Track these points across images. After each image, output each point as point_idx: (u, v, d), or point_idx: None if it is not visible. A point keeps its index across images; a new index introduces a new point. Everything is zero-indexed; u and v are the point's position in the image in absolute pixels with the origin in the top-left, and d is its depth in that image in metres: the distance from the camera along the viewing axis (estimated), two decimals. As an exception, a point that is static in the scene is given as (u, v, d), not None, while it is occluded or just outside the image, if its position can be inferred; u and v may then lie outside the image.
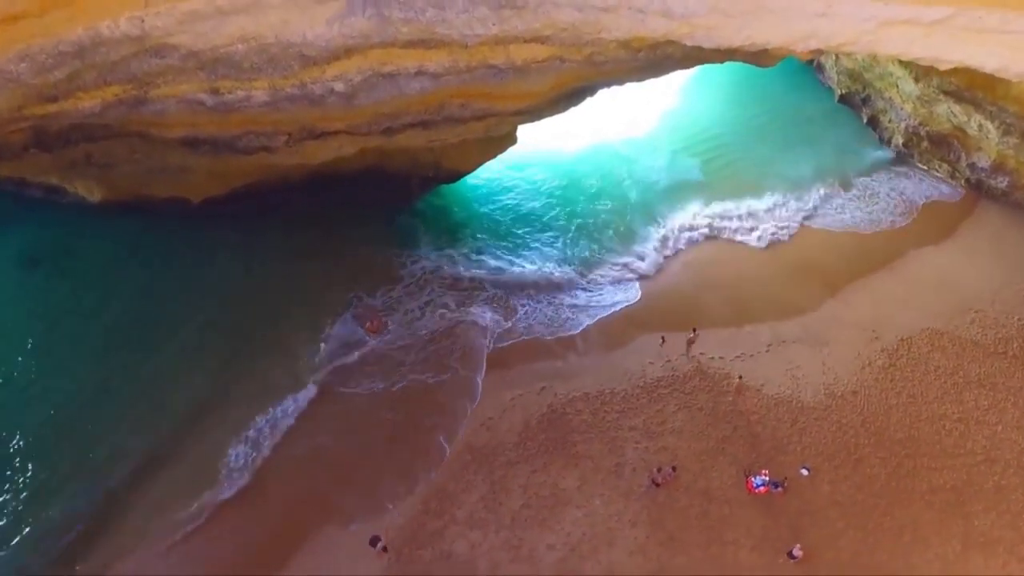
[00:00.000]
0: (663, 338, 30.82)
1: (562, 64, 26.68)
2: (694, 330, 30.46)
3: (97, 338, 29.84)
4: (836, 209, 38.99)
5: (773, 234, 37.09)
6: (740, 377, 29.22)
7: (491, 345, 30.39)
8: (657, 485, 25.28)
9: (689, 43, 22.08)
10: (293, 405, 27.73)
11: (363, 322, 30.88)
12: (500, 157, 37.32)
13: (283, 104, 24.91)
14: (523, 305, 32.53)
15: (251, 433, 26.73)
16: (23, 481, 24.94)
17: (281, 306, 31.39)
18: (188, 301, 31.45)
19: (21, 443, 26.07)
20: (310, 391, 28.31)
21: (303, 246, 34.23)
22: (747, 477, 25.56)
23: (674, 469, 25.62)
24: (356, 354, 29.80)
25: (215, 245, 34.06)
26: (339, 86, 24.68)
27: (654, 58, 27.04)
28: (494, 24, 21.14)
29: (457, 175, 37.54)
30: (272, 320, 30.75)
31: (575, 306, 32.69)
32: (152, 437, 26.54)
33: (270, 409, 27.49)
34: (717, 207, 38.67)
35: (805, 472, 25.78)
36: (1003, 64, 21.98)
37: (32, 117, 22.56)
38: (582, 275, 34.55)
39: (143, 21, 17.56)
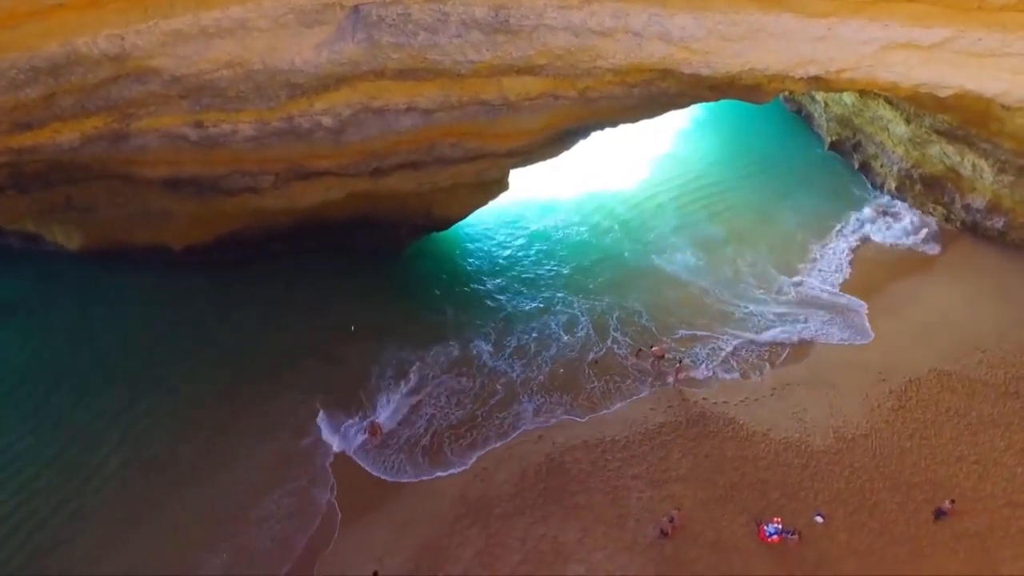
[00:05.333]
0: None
1: (555, 101, 26.32)
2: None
3: (67, 394, 28.45)
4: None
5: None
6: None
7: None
8: (665, 535, 23.74)
9: (687, 71, 21.78)
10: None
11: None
12: (491, 204, 36.69)
13: (269, 139, 24.34)
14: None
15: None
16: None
17: (261, 383, 29.55)
18: (164, 359, 30.12)
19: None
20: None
21: (288, 308, 33.03)
22: (759, 525, 24.09)
23: (678, 510, 24.28)
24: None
25: (195, 299, 32.93)
26: (327, 120, 24.17)
27: (649, 94, 26.69)
28: (487, 50, 20.79)
29: (448, 222, 36.74)
30: (255, 397, 28.93)
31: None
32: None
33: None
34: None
35: (819, 519, 24.34)
36: (1005, 88, 21.83)
37: (7, 151, 21.74)
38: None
39: (123, 39, 16.95)
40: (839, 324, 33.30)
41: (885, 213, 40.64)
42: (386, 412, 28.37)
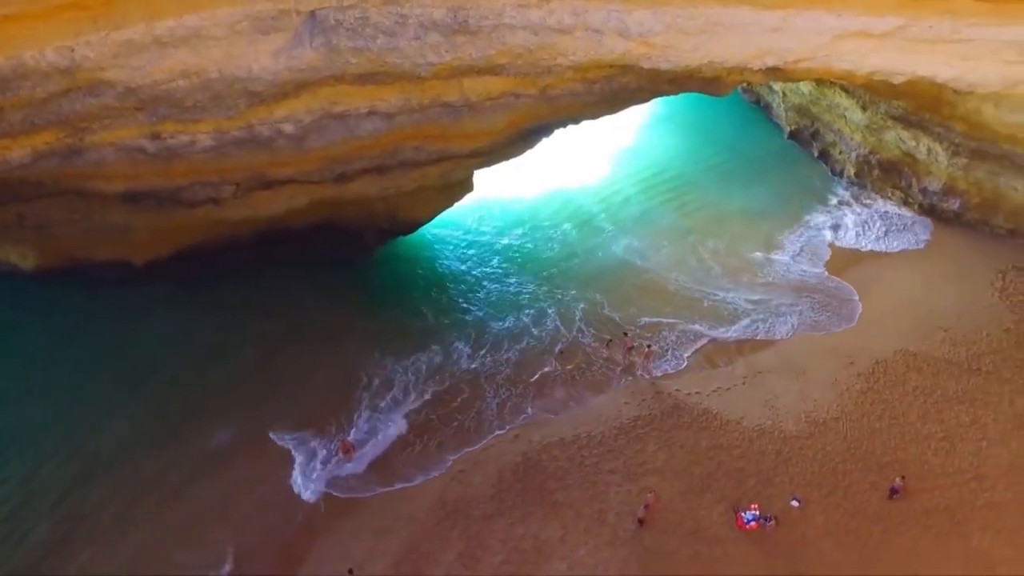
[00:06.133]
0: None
1: (517, 100, 26.37)
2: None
3: (27, 419, 27.58)
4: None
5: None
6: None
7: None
8: (642, 522, 23.95)
9: (647, 65, 21.88)
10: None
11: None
12: (457, 205, 36.56)
13: (229, 149, 23.90)
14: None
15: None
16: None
17: (229, 401, 28.84)
18: (130, 379, 29.33)
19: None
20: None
21: (257, 320, 32.33)
22: (736, 513, 24.33)
23: (652, 493, 24.56)
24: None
25: (160, 316, 32.10)
26: (288, 128, 23.83)
27: (609, 90, 26.86)
28: (447, 51, 20.63)
29: (414, 225, 36.52)
30: (222, 415, 28.17)
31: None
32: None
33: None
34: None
35: (795, 503, 24.68)
36: (956, 74, 22.30)
37: (-45, 171, 21.07)
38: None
39: (73, 51, 16.48)
40: (807, 310, 33.93)
41: (845, 200, 41.42)
42: (363, 427, 27.86)
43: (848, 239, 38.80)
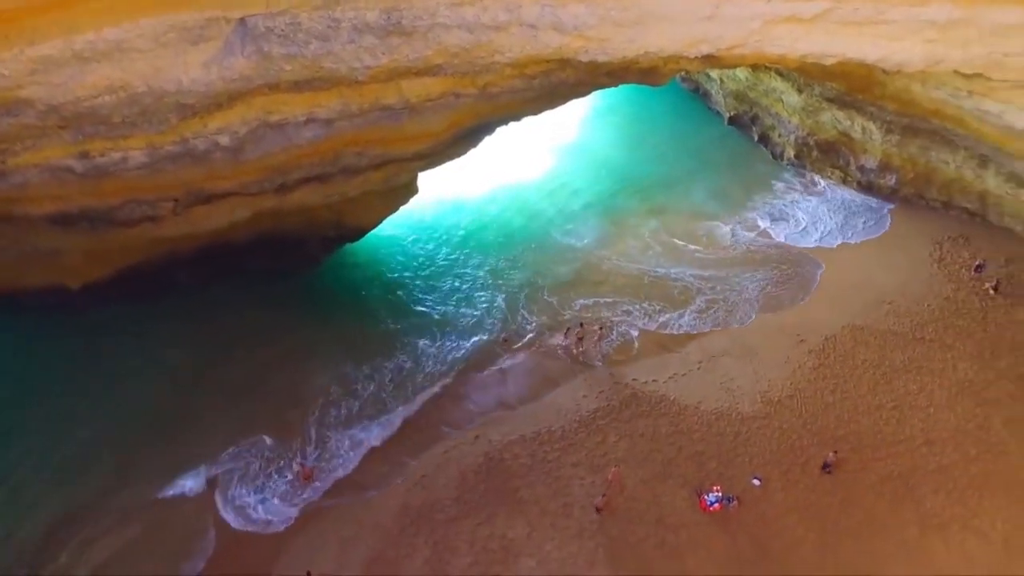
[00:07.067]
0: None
1: (457, 100, 26.17)
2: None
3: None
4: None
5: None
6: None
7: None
8: (599, 510, 24.19)
9: (584, 59, 21.93)
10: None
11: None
12: (404, 208, 36.19)
13: (164, 164, 23.21)
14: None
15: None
16: None
17: (175, 427, 27.70)
18: (73, 408, 27.99)
19: None
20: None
21: (206, 340, 31.27)
22: (699, 496, 24.63)
23: (616, 467, 25.10)
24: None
25: (101, 340, 30.74)
26: (224, 139, 23.27)
27: (548, 85, 26.85)
28: (383, 53, 20.39)
29: (360, 231, 36.00)
30: (172, 442, 27.09)
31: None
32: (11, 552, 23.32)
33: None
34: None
35: (756, 482, 25.11)
36: (883, 54, 22.83)
37: None
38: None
39: (-13, 71, 15.78)
40: (755, 290, 34.67)
41: (786, 180, 42.30)
42: (327, 447, 27.06)
43: (791, 221, 39.58)
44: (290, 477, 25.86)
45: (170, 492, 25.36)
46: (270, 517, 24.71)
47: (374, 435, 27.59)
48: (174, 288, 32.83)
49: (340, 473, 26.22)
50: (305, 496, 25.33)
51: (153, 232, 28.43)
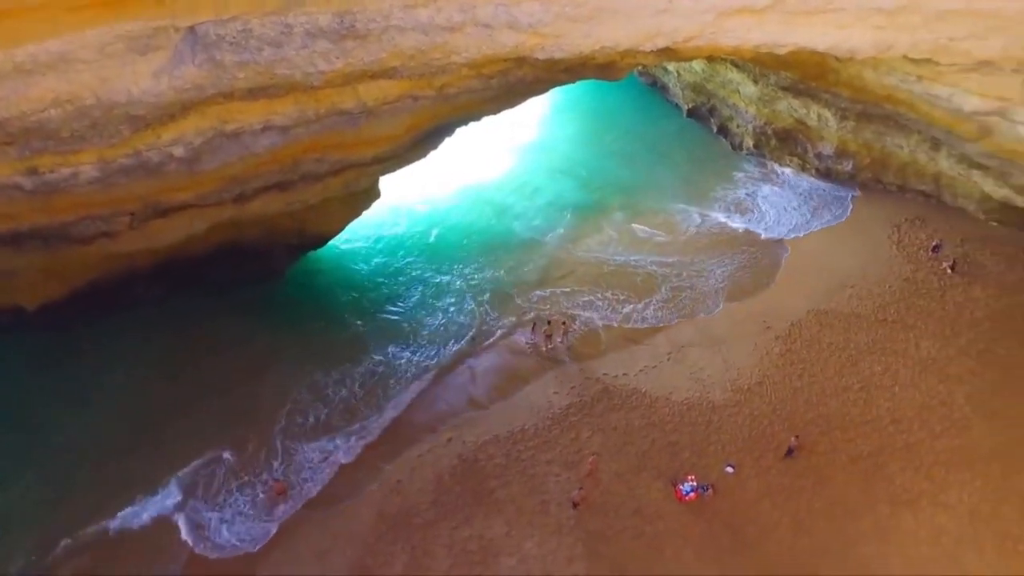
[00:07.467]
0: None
1: (415, 102, 25.96)
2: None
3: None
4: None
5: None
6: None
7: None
8: (576, 505, 24.26)
9: (541, 56, 21.91)
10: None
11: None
12: (367, 213, 35.91)
13: (117, 178, 22.63)
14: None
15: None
16: None
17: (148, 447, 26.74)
18: (36, 430, 27.02)
19: None
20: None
21: (172, 355, 30.38)
22: (675, 487, 24.81)
23: (595, 455, 25.43)
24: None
25: (62, 362, 29.74)
26: (178, 151, 22.76)
27: (506, 84, 26.79)
28: (337, 57, 20.15)
29: (323, 239, 35.60)
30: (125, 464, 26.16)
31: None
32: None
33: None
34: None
35: (730, 470, 25.36)
36: (835, 42, 23.16)
37: None
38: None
39: (-78, 88, 15.27)
40: (720, 278, 35.13)
41: (744, 169, 42.84)
42: (297, 460, 26.50)
43: (752, 210, 40.08)
44: (261, 495, 25.21)
45: (129, 519, 24.31)
46: (238, 540, 23.84)
47: (346, 444, 27.15)
48: (134, 303, 32.01)
49: (312, 485, 25.69)
50: (278, 512, 24.71)
51: (110, 248, 27.79)
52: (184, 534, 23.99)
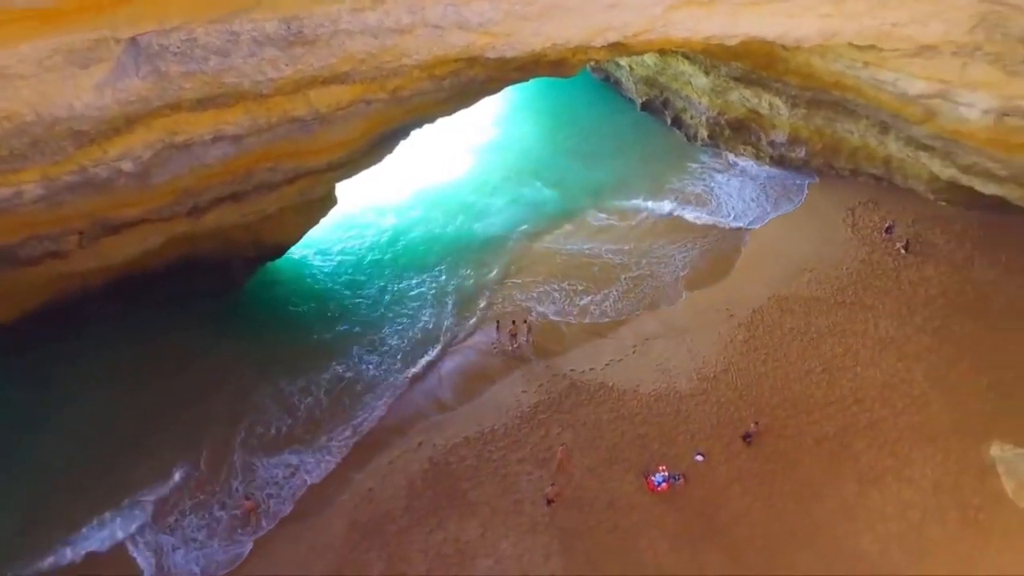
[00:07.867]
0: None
1: (368, 106, 25.67)
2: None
3: None
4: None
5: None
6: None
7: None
8: (550, 502, 24.29)
9: (492, 55, 21.83)
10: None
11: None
12: (325, 220, 35.49)
13: (63, 196, 21.90)
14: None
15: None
16: None
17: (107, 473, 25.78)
18: None
19: None
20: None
21: (133, 376, 29.38)
22: (646, 478, 24.98)
23: (563, 446, 25.57)
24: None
25: (14, 388, 28.64)
26: (127, 165, 22.11)
27: (459, 84, 26.67)
28: (286, 64, 19.81)
29: (281, 248, 35.04)
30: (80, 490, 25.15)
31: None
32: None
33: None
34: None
35: (699, 458, 25.62)
36: (783, 31, 23.52)
37: None
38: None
39: None
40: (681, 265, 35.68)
41: (699, 160, 43.34)
42: (256, 472, 25.98)
43: (709, 200, 40.53)
44: (227, 515, 24.47)
45: (81, 550, 23.27)
46: (200, 569, 23.03)
47: (314, 458, 26.65)
48: (88, 321, 31.11)
49: (281, 501, 25.10)
50: (249, 532, 24.09)
51: (60, 268, 27.00)
52: (142, 563, 23.17)
